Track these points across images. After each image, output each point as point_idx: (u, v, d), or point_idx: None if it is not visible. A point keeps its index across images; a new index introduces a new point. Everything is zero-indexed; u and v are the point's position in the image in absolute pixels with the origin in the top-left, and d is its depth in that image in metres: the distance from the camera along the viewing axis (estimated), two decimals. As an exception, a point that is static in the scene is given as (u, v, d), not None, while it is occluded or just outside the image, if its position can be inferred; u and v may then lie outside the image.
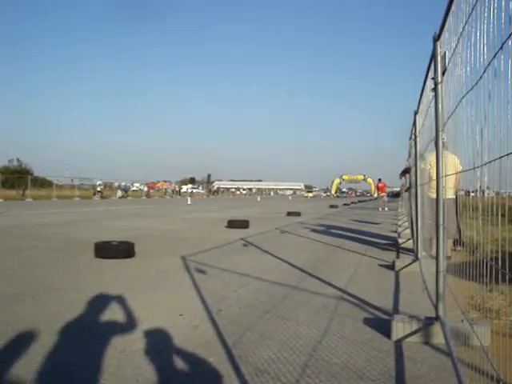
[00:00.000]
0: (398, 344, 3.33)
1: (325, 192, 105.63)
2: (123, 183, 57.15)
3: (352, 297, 4.83)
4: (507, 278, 2.07)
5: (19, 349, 3.16)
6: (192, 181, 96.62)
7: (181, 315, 4.04)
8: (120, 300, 4.51)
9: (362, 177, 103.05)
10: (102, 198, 47.55)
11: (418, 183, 6.88)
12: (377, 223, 16.82)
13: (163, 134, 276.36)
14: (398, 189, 39.79)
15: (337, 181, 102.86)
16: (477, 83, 2.28)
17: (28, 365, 2.88)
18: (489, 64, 2.06)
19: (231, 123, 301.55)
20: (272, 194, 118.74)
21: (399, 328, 3.39)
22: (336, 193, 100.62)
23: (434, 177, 3.61)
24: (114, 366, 2.91)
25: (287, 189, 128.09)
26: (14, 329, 3.56)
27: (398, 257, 7.87)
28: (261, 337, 3.50)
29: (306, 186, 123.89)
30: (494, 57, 1.97)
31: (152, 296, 4.80)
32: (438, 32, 3.32)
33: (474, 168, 2.37)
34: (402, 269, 6.44)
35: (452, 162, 3.89)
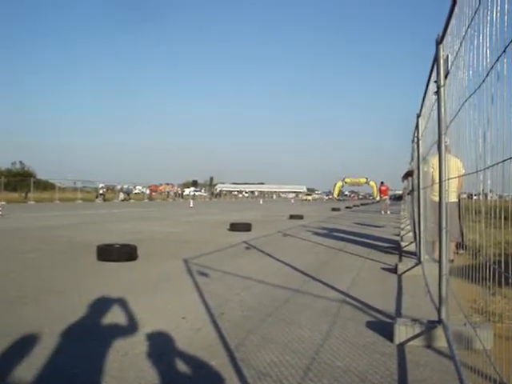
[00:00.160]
0: (401, 347, 3.33)
1: (327, 195, 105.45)
2: (125, 186, 57.16)
3: (354, 300, 4.82)
4: (510, 281, 2.07)
5: (21, 351, 3.16)
6: (194, 184, 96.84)
7: (183, 318, 4.04)
8: (122, 303, 4.51)
9: (365, 180, 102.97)
10: (105, 200, 47.58)
11: (421, 186, 6.87)
12: (379, 226, 16.80)
13: (164, 135, 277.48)
14: (401, 192, 39.76)
15: (339, 184, 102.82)
16: (479, 86, 2.28)
17: (30, 367, 2.88)
18: (492, 67, 2.06)
19: (232, 123, 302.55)
20: (274, 197, 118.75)
21: (402, 331, 3.38)
22: (339, 195, 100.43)
23: (437, 180, 3.61)
24: (116, 368, 2.90)
25: (290, 192, 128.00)
26: (16, 331, 3.56)
27: (400, 260, 7.86)
28: (263, 340, 3.49)
29: (308, 189, 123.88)
30: (497, 60, 1.97)
31: (154, 299, 4.80)
32: (440, 35, 3.32)
33: (476, 171, 2.37)
34: (404, 272, 6.43)
35: (455, 166, 3.88)
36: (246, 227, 13.13)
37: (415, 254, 7.66)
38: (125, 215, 21.78)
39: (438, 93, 3.39)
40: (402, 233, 12.21)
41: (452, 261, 5.08)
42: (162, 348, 3.30)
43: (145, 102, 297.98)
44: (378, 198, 52.08)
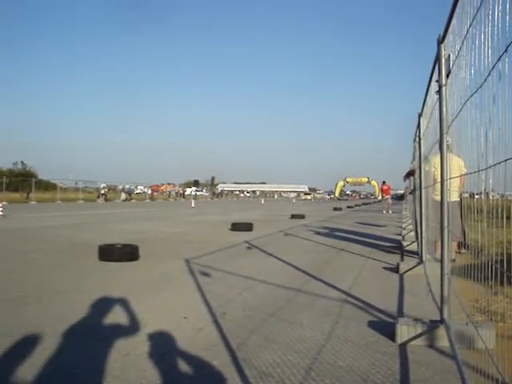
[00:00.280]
0: (403, 347, 3.32)
1: (329, 195, 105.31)
2: (127, 186, 57.20)
3: (356, 300, 4.81)
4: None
5: (23, 351, 3.17)
6: (196, 183, 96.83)
7: (185, 318, 4.04)
8: (124, 303, 4.52)
9: (366, 179, 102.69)
10: (106, 200, 47.64)
11: (423, 186, 6.87)
12: (381, 226, 16.79)
13: (164, 135, 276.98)
14: (402, 191, 39.73)
15: (341, 183, 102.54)
16: (481, 86, 2.27)
17: (31, 367, 2.88)
18: (493, 67, 2.06)
19: (232, 123, 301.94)
20: (276, 196, 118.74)
21: (404, 331, 3.38)
22: (340, 195, 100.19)
23: (439, 179, 3.60)
24: (117, 368, 2.91)
25: (291, 191, 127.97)
26: (18, 331, 3.57)
27: (402, 259, 7.85)
28: (265, 340, 3.49)
29: (310, 189, 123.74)
30: (499, 59, 1.96)
31: (156, 299, 4.81)
32: (442, 34, 3.32)
33: (478, 170, 2.36)
34: (406, 271, 6.43)
35: (456, 165, 3.88)
36: (247, 227, 13.13)
37: (417, 254, 7.65)
38: (126, 215, 21.80)
39: (439, 92, 3.39)
40: (404, 232, 12.20)
41: (454, 260, 5.09)
42: (163, 348, 3.31)
43: (145, 102, 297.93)
44: (379, 198, 52.07)
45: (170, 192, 74.33)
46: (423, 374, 2.86)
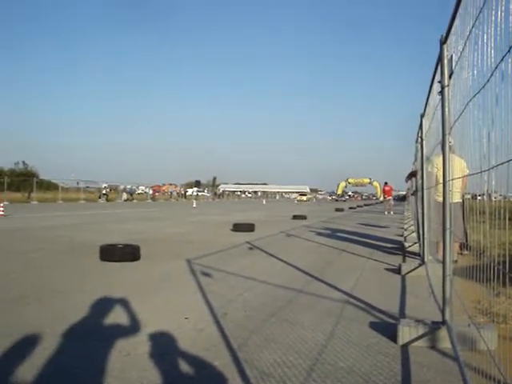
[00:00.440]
0: (405, 348, 3.31)
1: (330, 195, 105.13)
2: (129, 186, 57.27)
3: (358, 301, 4.81)
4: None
5: (23, 351, 3.16)
6: (197, 184, 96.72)
7: (186, 318, 4.04)
8: (124, 303, 4.51)
9: (368, 180, 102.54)
10: (108, 200, 47.71)
11: (425, 187, 6.85)
12: (383, 227, 16.78)
13: (164, 135, 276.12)
14: (404, 192, 39.68)
15: (342, 184, 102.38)
16: (484, 86, 2.27)
17: (31, 367, 2.88)
18: (496, 67, 2.05)
19: (232, 123, 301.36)
20: (277, 197, 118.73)
21: (405, 332, 3.37)
22: (342, 195, 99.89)
23: (441, 180, 3.59)
24: (118, 369, 2.90)
25: (293, 192, 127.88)
26: (18, 331, 3.56)
27: (404, 261, 7.84)
28: (266, 340, 3.49)
29: (311, 190, 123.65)
30: (502, 60, 1.96)
31: (157, 299, 4.81)
32: (444, 35, 3.31)
33: (481, 171, 2.35)
34: (408, 273, 6.42)
35: (459, 166, 3.87)
36: (249, 227, 13.13)
37: (419, 255, 7.63)
38: (128, 215, 21.81)
39: (442, 93, 3.38)
40: (406, 233, 12.19)
41: (456, 261, 5.07)
42: (164, 348, 3.30)
43: (145, 102, 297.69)
44: (381, 199, 51.99)
45: (171, 192, 74.37)
46: (425, 376, 2.86)
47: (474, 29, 2.56)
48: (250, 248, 9.38)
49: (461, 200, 6.42)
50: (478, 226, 3.21)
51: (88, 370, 2.89)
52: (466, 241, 6.44)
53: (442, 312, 3.34)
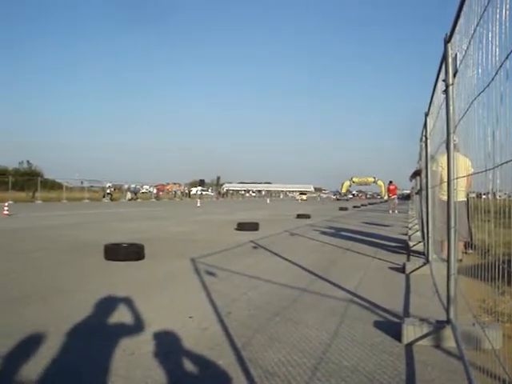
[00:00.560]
0: (409, 347, 3.31)
1: (334, 194, 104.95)
2: (133, 185, 57.32)
3: (362, 299, 4.80)
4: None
5: (27, 350, 3.18)
6: (201, 183, 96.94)
7: (190, 317, 4.04)
8: (129, 302, 4.52)
9: (373, 179, 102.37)
10: (112, 200, 47.79)
11: (429, 185, 6.84)
12: (387, 225, 16.74)
13: (164, 135, 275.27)
14: (408, 191, 39.59)
15: (347, 183, 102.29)
16: (489, 85, 2.26)
17: (35, 367, 2.89)
18: (501, 65, 2.04)
19: (232, 123, 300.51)
20: (281, 196, 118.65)
21: (410, 331, 3.36)
22: (346, 194, 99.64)
23: (445, 179, 3.59)
24: (122, 368, 2.91)
25: (297, 191, 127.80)
26: (22, 331, 3.58)
27: (408, 259, 7.82)
28: (270, 339, 3.49)
29: (315, 189, 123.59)
30: (507, 58, 1.95)
31: (161, 298, 4.81)
32: (449, 33, 3.30)
33: (485, 170, 2.35)
34: (412, 272, 6.40)
35: (463, 164, 3.86)
36: (253, 226, 13.13)
37: (423, 254, 7.62)
38: (132, 214, 21.86)
39: (446, 91, 3.37)
40: (410, 232, 12.16)
41: (460, 260, 5.06)
42: (168, 347, 3.31)
43: (145, 102, 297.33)
44: (385, 198, 51.89)
45: (175, 191, 74.46)
46: (429, 375, 2.85)
47: (478, 27, 2.55)
48: (254, 247, 9.38)
49: (465, 199, 6.40)
50: (482, 224, 3.20)
51: (92, 370, 2.89)
52: (471, 240, 6.42)
53: (447, 311, 3.34)
